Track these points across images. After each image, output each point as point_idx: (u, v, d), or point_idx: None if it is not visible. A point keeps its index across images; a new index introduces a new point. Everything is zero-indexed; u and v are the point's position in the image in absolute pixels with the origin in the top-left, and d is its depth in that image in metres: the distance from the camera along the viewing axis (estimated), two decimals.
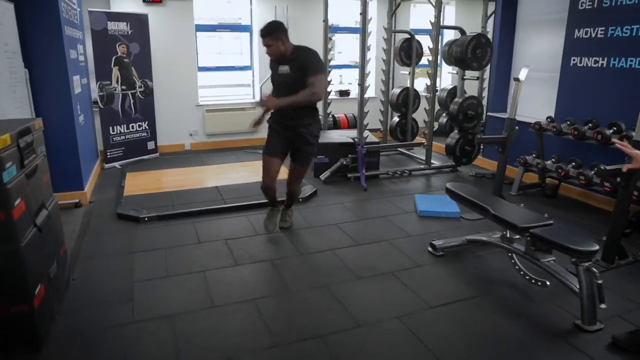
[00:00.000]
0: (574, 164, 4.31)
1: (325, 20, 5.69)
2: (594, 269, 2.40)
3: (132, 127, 5.94)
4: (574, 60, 4.52)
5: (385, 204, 4.39)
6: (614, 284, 2.85)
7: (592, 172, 4.02)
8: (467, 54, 4.95)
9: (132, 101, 5.87)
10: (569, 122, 4.41)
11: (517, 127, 4.12)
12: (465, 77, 5.35)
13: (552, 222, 2.71)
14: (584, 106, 4.43)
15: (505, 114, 5.61)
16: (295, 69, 3.19)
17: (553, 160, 4.50)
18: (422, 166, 5.58)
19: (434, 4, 5.15)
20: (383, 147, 5.88)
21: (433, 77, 5.23)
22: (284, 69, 3.25)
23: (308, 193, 4.46)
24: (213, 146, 6.79)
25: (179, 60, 6.43)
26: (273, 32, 3.15)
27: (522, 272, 2.85)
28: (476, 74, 5.55)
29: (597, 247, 2.38)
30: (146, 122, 6.08)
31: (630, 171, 2.56)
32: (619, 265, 3.15)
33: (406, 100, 6.16)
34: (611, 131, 3.98)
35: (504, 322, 2.48)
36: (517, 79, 4.04)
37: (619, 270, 3.11)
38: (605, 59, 4.21)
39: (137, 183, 5.00)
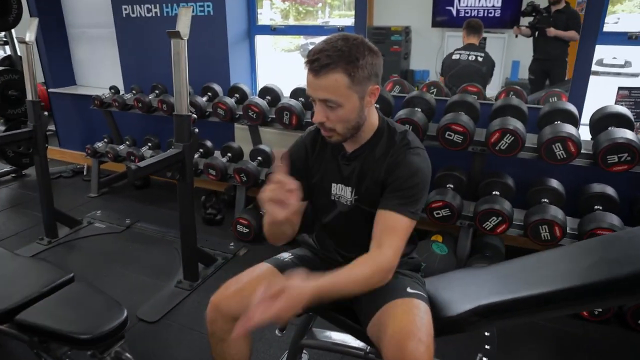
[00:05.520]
0: (149, 144, 3.35)
1: None
2: (120, 350, 1.37)
3: None
4: (125, 9, 3.45)
5: None
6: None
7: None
8: None
9: None
10: (133, 92, 3.37)
11: (45, 113, 2.69)
12: None
13: (72, 275, 1.54)
14: (154, 68, 3.45)
15: (70, 88, 4.16)
16: None
17: (127, 143, 3.42)
18: None
19: None
20: None
21: None
22: None
23: None
24: None
25: None
26: None
27: None
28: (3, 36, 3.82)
29: (123, 317, 1.35)
30: None
31: None
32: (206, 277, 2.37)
33: None
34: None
35: None
36: (21, 40, 2.52)
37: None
38: (158, 6, 3.30)
39: None
